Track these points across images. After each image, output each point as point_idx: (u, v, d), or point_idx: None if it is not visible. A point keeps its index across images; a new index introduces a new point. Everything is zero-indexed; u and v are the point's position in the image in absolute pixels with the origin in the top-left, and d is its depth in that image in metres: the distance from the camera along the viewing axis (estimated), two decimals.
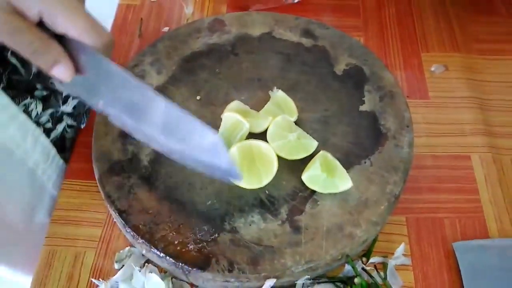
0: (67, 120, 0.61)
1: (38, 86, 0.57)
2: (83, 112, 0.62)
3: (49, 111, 0.58)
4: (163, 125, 0.43)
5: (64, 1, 0.39)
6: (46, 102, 0.58)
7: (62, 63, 0.40)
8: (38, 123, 0.57)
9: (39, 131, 0.55)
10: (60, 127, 0.60)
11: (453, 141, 0.61)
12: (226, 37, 0.64)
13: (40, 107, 0.57)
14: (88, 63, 0.41)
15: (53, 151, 0.58)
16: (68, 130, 0.62)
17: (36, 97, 0.57)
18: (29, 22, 0.38)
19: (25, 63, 0.56)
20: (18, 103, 0.54)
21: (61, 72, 0.40)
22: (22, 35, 0.38)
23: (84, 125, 0.62)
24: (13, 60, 0.54)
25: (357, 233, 0.47)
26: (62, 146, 0.61)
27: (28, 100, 0.55)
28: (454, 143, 0.61)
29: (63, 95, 0.59)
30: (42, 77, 0.56)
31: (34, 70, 0.56)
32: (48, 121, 0.58)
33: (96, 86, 0.43)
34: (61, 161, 0.59)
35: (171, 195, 0.50)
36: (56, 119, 0.60)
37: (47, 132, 0.59)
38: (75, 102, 0.60)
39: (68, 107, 0.60)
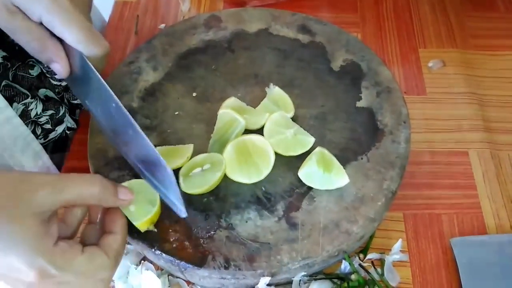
0: (68, 123, 0.61)
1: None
2: None
3: (49, 112, 0.58)
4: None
5: (63, 8, 0.41)
6: (47, 102, 0.58)
7: (56, 63, 0.44)
8: (37, 123, 0.57)
9: (32, 137, 0.54)
10: (59, 129, 0.60)
11: (451, 136, 0.61)
12: (222, 33, 0.63)
13: (40, 107, 0.57)
14: (79, 66, 0.44)
15: (45, 156, 0.56)
16: (68, 132, 0.61)
17: (38, 97, 0.57)
18: (30, 22, 0.41)
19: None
20: (18, 102, 0.54)
21: (56, 69, 0.45)
22: (21, 35, 0.41)
23: None
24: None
25: (354, 230, 0.47)
26: (63, 146, 0.61)
27: (28, 100, 0.55)
28: (452, 139, 0.60)
29: None
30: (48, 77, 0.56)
31: (41, 68, 0.56)
32: (48, 122, 0.58)
33: (84, 87, 0.47)
34: (53, 167, 0.58)
35: None
36: (57, 120, 0.59)
37: (46, 132, 0.58)
38: None
39: None
